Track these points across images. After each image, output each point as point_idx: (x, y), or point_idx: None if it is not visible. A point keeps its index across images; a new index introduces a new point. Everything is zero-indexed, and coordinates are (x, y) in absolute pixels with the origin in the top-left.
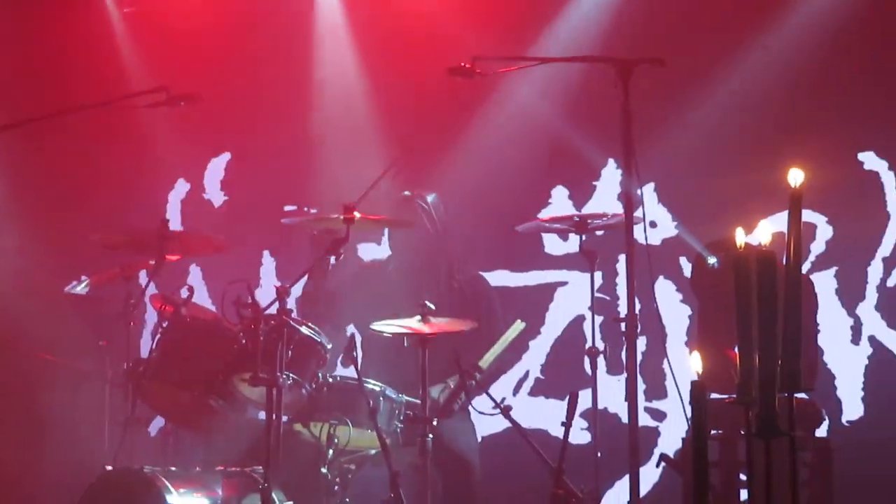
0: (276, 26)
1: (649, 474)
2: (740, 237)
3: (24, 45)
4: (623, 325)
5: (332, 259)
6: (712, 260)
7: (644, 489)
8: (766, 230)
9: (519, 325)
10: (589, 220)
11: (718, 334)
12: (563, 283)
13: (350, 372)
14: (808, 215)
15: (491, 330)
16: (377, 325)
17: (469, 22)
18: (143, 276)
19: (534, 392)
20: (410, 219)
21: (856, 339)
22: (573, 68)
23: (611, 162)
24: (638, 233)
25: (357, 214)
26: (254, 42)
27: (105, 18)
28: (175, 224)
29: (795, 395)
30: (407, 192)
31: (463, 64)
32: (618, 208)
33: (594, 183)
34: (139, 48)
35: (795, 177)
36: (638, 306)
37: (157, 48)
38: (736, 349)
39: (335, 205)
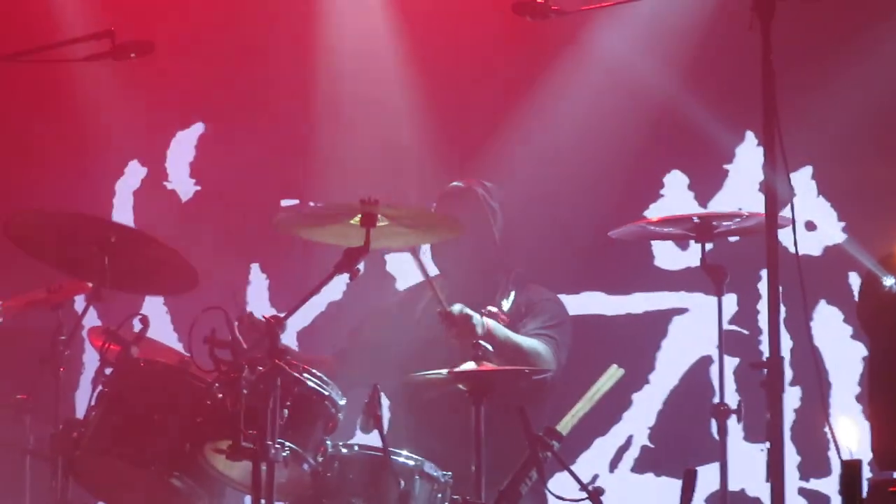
0: None
1: None
2: None
3: None
4: (765, 371)
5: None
6: (890, 281)
7: None
8: None
9: (615, 373)
10: (716, 222)
11: None
12: (681, 311)
13: (373, 439)
14: None
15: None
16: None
17: None
18: (78, 302)
19: (639, 467)
20: (466, 219)
21: None
22: (690, 6)
23: (749, 137)
24: (788, 239)
25: (381, 214)
26: None
27: None
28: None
29: None
30: (458, 183)
31: None
32: (758, 204)
33: (725, 167)
34: None
35: None
36: (788, 345)
37: None
38: None
39: (350, 200)
